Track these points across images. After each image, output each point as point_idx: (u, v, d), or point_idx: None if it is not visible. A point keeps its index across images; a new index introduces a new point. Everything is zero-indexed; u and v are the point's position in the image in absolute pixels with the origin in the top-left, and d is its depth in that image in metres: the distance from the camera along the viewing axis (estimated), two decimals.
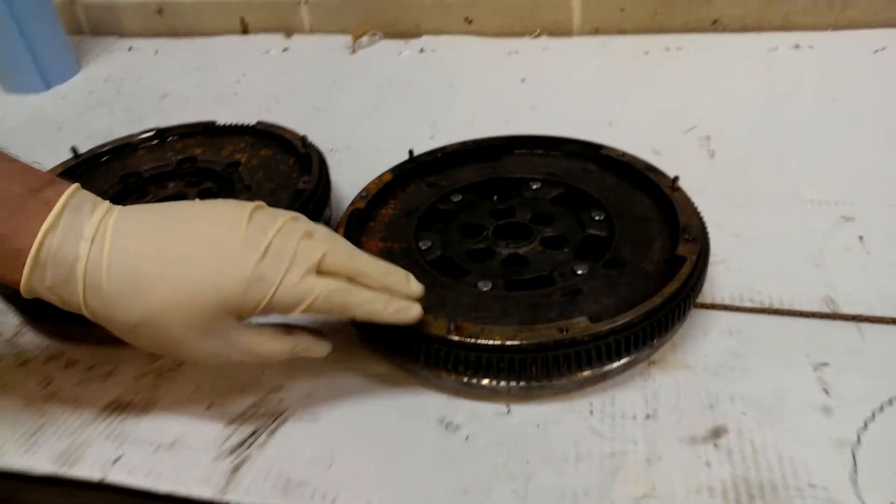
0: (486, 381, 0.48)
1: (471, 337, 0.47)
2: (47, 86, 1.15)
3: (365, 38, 1.18)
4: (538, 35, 1.14)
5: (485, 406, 0.50)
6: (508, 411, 0.49)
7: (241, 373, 0.55)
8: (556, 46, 1.10)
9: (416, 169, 0.69)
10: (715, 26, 1.08)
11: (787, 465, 0.43)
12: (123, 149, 0.79)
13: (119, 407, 0.53)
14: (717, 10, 1.07)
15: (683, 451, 0.45)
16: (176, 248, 0.43)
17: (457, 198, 0.66)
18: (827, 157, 0.75)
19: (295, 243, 0.44)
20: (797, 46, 1.01)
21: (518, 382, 0.48)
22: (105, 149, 0.78)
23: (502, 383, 0.48)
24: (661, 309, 0.49)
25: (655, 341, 0.49)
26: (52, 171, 0.72)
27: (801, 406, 0.47)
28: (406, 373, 0.53)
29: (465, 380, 0.49)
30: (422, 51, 1.14)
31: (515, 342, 0.47)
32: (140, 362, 0.57)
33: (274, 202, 0.53)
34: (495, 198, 0.67)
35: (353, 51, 1.16)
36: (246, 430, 0.50)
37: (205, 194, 0.70)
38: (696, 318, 0.55)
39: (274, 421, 0.51)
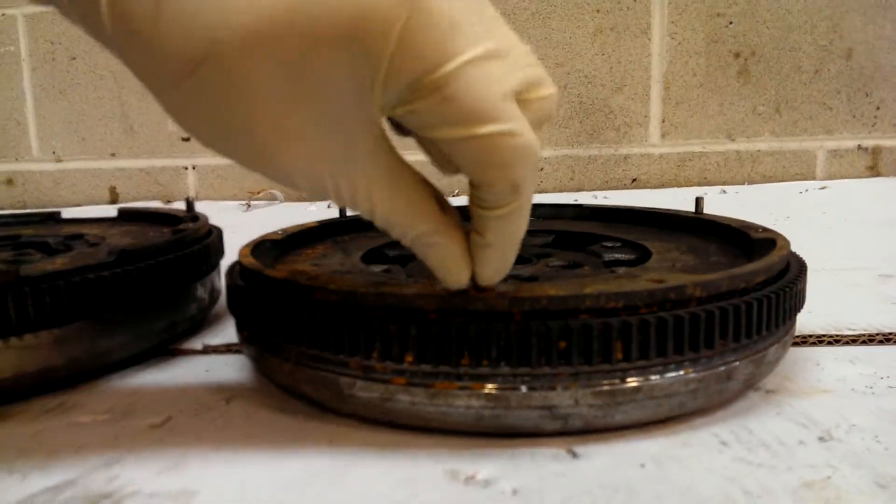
0: (525, 389, 0.26)
1: (508, 300, 0.26)
2: None
3: (260, 199, 1.05)
4: (457, 194, 1.06)
5: (526, 452, 0.26)
6: (575, 455, 0.26)
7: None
8: None
9: (348, 224, 0.51)
10: (635, 184, 1.05)
11: None
12: None
13: None
14: (634, 170, 1.05)
15: None
16: None
17: None
18: (819, 246, 0.66)
19: None
20: (724, 192, 0.99)
21: (591, 383, 0.26)
22: None
23: (560, 391, 0.26)
24: (786, 270, 0.31)
25: (791, 318, 0.31)
26: None
27: None
28: (351, 420, 0.29)
29: (493, 390, 0.26)
30: (330, 206, 1.01)
31: (591, 292, 0.26)
32: None
33: (139, 250, 0.39)
34: None
35: (248, 208, 1.01)
36: None
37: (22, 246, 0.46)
38: (793, 353, 0.37)
39: None
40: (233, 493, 0.24)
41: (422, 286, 0.27)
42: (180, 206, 1.05)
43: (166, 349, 0.42)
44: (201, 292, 0.45)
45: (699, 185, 1.04)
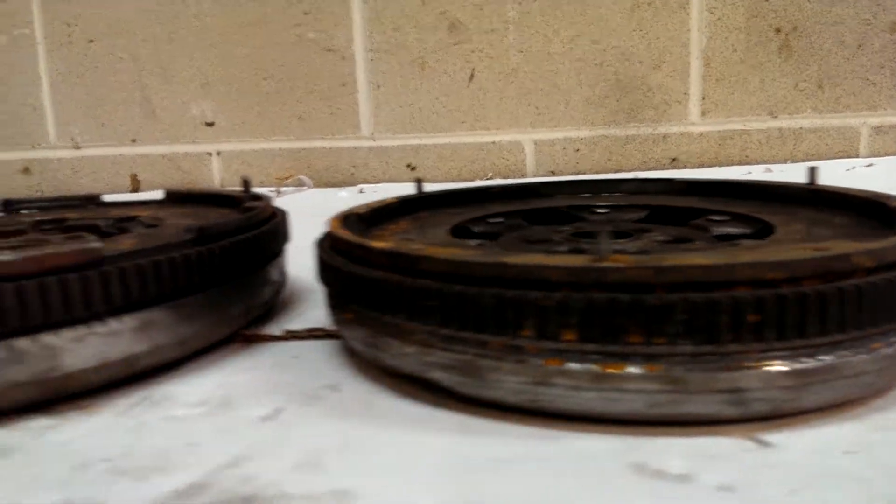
0: (708, 370, 0.23)
1: (691, 269, 0.23)
2: None
3: (289, 185, 1.02)
4: (491, 178, 1.03)
5: (708, 442, 0.23)
6: (766, 444, 0.23)
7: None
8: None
9: (427, 200, 0.48)
10: (674, 164, 1.02)
11: None
12: None
13: None
14: (674, 149, 1.02)
15: None
16: None
17: (496, 220, 0.44)
18: None
19: None
20: (769, 170, 0.96)
21: (784, 362, 0.23)
22: None
23: (748, 371, 0.23)
24: None
25: None
26: None
27: None
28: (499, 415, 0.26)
29: (670, 372, 0.23)
30: (362, 191, 0.97)
31: (791, 259, 0.23)
32: None
33: (217, 230, 0.36)
34: (550, 223, 0.45)
35: (278, 194, 0.97)
36: None
37: (71, 229, 0.43)
38: None
39: None
40: (394, 498, 0.21)
41: (587, 257, 0.24)
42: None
43: (240, 335, 0.39)
44: (274, 275, 0.42)
45: (741, 163, 1.01)
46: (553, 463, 0.23)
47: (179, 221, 0.45)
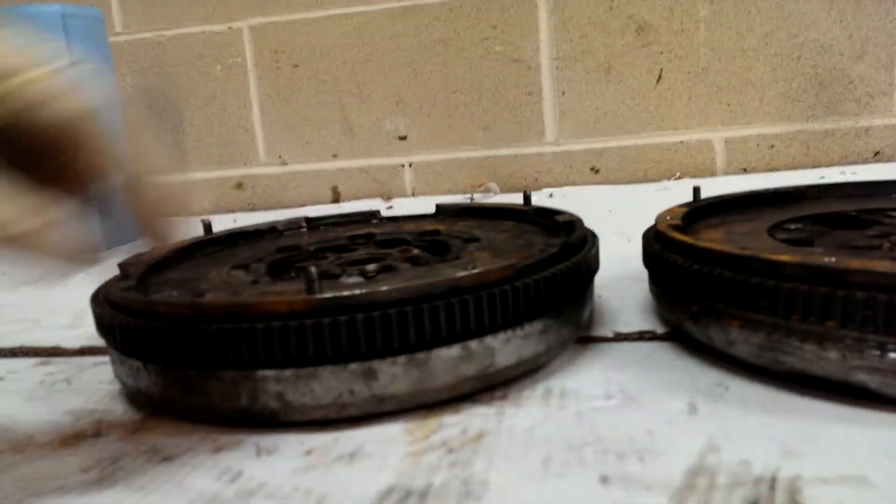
0: None
1: None
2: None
3: (479, 192, 1.07)
4: (679, 178, 1.04)
5: None
6: None
7: None
8: (711, 183, 0.98)
9: (708, 207, 0.50)
10: (877, 158, 0.99)
11: None
12: (266, 232, 0.59)
13: None
14: (877, 142, 0.98)
15: None
16: None
17: (795, 226, 0.46)
18: None
19: None
20: None
21: None
22: (241, 231, 0.58)
23: None
24: None
25: None
26: (178, 245, 0.51)
27: None
28: None
29: None
30: (551, 196, 1.01)
31: None
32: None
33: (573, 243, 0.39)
34: (844, 228, 0.46)
35: (471, 200, 1.03)
36: None
37: (430, 248, 0.48)
38: None
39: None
40: None
41: None
42: (401, 200, 1.09)
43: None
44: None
45: None
46: None
47: (494, 235, 0.49)
